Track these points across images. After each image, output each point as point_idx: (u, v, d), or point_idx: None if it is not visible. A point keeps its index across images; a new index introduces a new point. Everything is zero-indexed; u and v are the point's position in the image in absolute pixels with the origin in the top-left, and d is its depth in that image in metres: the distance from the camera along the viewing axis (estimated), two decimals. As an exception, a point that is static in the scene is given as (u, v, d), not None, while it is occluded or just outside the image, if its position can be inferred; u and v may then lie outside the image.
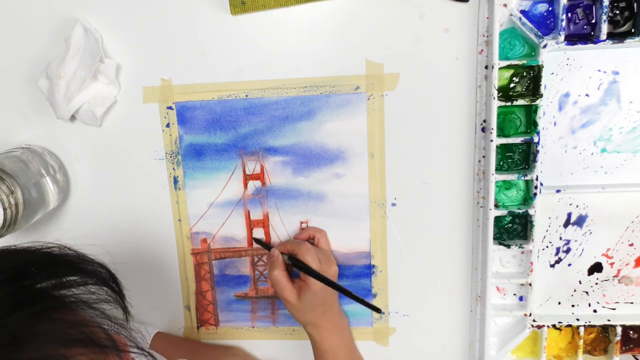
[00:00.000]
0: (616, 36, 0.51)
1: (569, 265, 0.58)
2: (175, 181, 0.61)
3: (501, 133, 0.55)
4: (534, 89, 0.53)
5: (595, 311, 0.59)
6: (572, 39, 0.52)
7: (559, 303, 0.59)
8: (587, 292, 0.59)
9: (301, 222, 0.61)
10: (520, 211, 0.56)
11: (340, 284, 0.55)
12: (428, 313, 0.62)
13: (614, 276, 0.58)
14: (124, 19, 0.57)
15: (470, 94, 0.55)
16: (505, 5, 0.51)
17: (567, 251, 0.58)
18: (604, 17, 0.50)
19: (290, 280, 0.57)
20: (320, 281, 0.54)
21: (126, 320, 0.38)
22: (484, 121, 0.55)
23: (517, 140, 0.54)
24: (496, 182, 0.55)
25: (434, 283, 0.61)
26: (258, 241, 0.62)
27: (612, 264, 0.58)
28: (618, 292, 0.58)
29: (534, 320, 0.58)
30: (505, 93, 0.54)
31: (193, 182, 0.61)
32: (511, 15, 0.51)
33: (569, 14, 0.52)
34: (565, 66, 0.53)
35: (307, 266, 0.55)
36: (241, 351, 0.63)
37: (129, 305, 0.39)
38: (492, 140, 0.54)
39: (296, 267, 0.56)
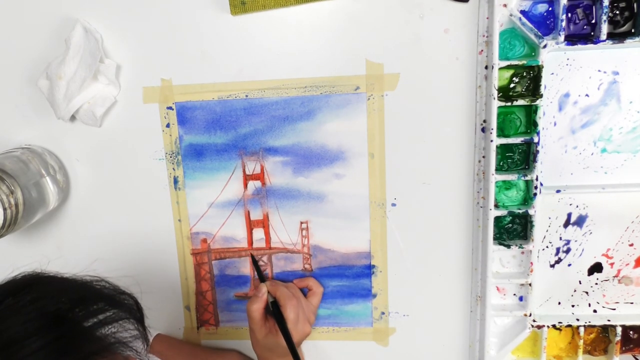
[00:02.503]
0: (616, 36, 0.51)
1: (569, 265, 0.58)
2: (175, 181, 0.61)
3: (501, 133, 0.55)
4: (534, 89, 0.53)
5: (595, 311, 0.59)
6: (572, 39, 0.52)
7: (559, 303, 0.59)
8: (587, 292, 0.59)
9: (301, 222, 0.61)
10: (520, 211, 0.56)
11: (297, 352, 0.54)
12: (428, 313, 0.62)
13: (614, 276, 0.58)
14: (124, 19, 0.57)
15: (470, 94, 0.55)
16: (505, 5, 0.51)
17: (567, 251, 0.58)
18: (604, 17, 0.50)
19: (264, 317, 0.57)
20: (286, 343, 0.54)
21: (145, 349, 0.38)
22: (484, 121, 0.55)
23: (517, 140, 0.54)
24: (496, 182, 0.55)
25: (434, 283, 0.61)
26: (255, 264, 0.62)
27: (612, 264, 0.58)
28: (618, 292, 0.58)
29: (534, 321, 0.58)
30: (505, 93, 0.54)
31: (193, 182, 0.61)
32: (511, 15, 0.51)
33: (569, 14, 0.52)
34: (565, 66, 0.53)
35: (282, 322, 0.55)
36: (238, 356, 0.63)
37: (149, 334, 0.39)
38: (492, 141, 0.54)
39: (274, 316, 0.56)
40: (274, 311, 0.56)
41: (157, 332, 0.65)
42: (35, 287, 0.34)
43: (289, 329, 0.55)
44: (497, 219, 0.57)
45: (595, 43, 0.51)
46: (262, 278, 0.61)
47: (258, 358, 0.59)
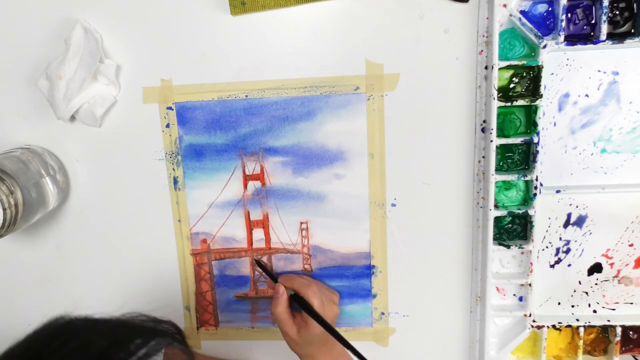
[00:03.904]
0: (616, 36, 0.51)
1: (569, 265, 0.58)
2: (175, 181, 0.61)
3: (501, 133, 0.55)
4: (533, 90, 0.54)
5: (595, 311, 0.59)
6: (572, 40, 0.52)
7: (559, 303, 0.59)
8: (586, 293, 0.59)
9: (301, 223, 0.61)
10: (520, 211, 0.56)
11: (339, 332, 0.54)
12: (428, 313, 0.62)
13: (614, 276, 0.58)
14: (124, 19, 0.57)
15: (470, 94, 0.55)
16: (505, 5, 0.51)
17: (567, 251, 0.58)
18: (604, 18, 0.50)
19: (291, 316, 0.57)
20: (322, 326, 0.53)
21: None
22: (484, 121, 0.55)
23: (517, 140, 0.54)
24: (496, 182, 0.55)
25: (434, 283, 0.61)
26: (262, 267, 0.61)
27: (611, 264, 0.58)
28: (618, 293, 0.58)
29: (534, 321, 0.58)
30: (505, 93, 0.54)
31: (193, 182, 0.61)
32: (511, 15, 0.52)
33: (569, 15, 0.52)
34: (565, 66, 0.53)
35: (311, 310, 0.54)
36: None
37: (194, 350, 0.39)
38: (492, 141, 0.54)
39: (300, 308, 0.56)
40: (300, 303, 0.55)
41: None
42: (75, 332, 0.35)
43: (320, 315, 0.54)
44: (497, 219, 0.57)
45: (595, 43, 0.51)
46: (274, 278, 0.60)
47: (301, 358, 0.57)
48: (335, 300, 0.59)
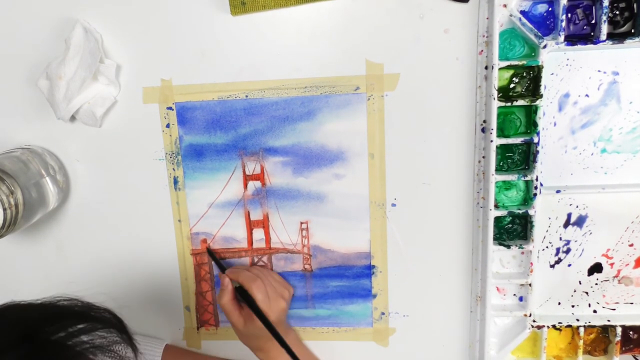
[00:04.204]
0: (616, 36, 0.51)
1: (569, 265, 0.58)
2: (175, 181, 0.61)
3: (501, 133, 0.55)
4: (533, 90, 0.54)
5: (595, 311, 0.59)
6: (572, 40, 0.52)
7: (559, 303, 0.59)
8: (587, 293, 0.59)
9: (301, 223, 0.61)
10: (520, 211, 0.56)
11: (275, 329, 0.53)
12: (428, 313, 0.62)
13: (614, 276, 0.58)
14: (124, 19, 0.57)
15: (470, 94, 0.55)
16: (505, 5, 0.51)
17: (567, 251, 0.58)
18: (604, 18, 0.50)
19: (239, 307, 0.57)
20: (260, 320, 0.54)
21: (135, 356, 0.40)
22: (484, 121, 0.55)
23: (517, 140, 0.54)
24: (496, 182, 0.55)
25: (434, 283, 0.61)
26: (213, 257, 0.61)
27: (612, 264, 0.58)
28: (618, 293, 0.58)
29: (534, 321, 0.58)
30: (505, 93, 0.54)
31: (193, 182, 0.61)
32: (511, 15, 0.52)
33: (569, 15, 0.52)
34: (565, 66, 0.53)
35: (253, 304, 0.54)
36: None
37: (137, 343, 0.40)
38: (492, 141, 0.54)
39: (243, 300, 0.56)
40: (242, 296, 0.56)
41: (165, 343, 0.65)
42: (6, 312, 0.37)
43: (261, 309, 0.54)
44: (497, 219, 0.57)
45: (595, 43, 0.51)
46: (222, 268, 0.60)
47: (252, 351, 0.58)
48: (285, 295, 0.59)
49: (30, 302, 0.38)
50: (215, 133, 0.59)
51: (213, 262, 0.62)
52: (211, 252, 0.62)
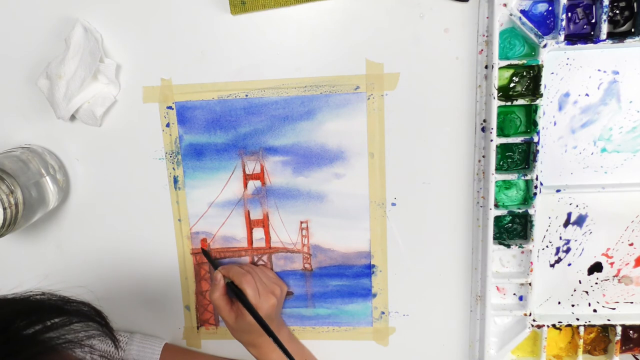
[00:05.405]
0: (616, 36, 0.51)
1: (569, 265, 0.58)
2: (175, 181, 0.61)
3: (501, 133, 0.55)
4: (534, 89, 0.54)
5: (595, 311, 0.59)
6: (572, 39, 0.52)
7: (559, 303, 0.59)
8: (587, 292, 0.59)
9: (301, 222, 0.61)
10: (520, 211, 0.56)
11: (265, 323, 0.54)
12: (428, 313, 0.62)
13: (614, 276, 0.58)
14: (124, 19, 0.57)
15: (470, 93, 0.55)
16: (505, 5, 0.51)
17: (567, 251, 0.58)
18: (604, 17, 0.50)
19: (230, 302, 0.57)
20: (252, 315, 0.54)
21: (117, 349, 0.40)
22: (484, 121, 0.55)
23: (517, 140, 0.54)
24: (496, 181, 0.55)
25: (434, 283, 0.61)
26: (207, 256, 0.62)
27: (612, 263, 0.58)
28: (618, 292, 0.59)
29: (534, 320, 0.58)
30: (505, 93, 0.54)
31: (193, 181, 0.61)
32: (511, 15, 0.51)
33: (569, 14, 0.52)
34: (565, 66, 0.53)
35: (243, 298, 0.55)
36: None
37: (120, 335, 0.40)
38: (492, 140, 0.54)
39: (234, 296, 0.56)
40: (232, 290, 0.56)
41: (165, 342, 0.65)
42: None
43: (252, 304, 0.54)
44: (497, 219, 0.57)
45: (595, 43, 0.51)
46: (215, 265, 0.60)
47: (245, 346, 0.58)
48: (277, 292, 0.58)
49: (3, 297, 0.37)
50: (215, 132, 0.59)
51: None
52: (206, 253, 0.62)
